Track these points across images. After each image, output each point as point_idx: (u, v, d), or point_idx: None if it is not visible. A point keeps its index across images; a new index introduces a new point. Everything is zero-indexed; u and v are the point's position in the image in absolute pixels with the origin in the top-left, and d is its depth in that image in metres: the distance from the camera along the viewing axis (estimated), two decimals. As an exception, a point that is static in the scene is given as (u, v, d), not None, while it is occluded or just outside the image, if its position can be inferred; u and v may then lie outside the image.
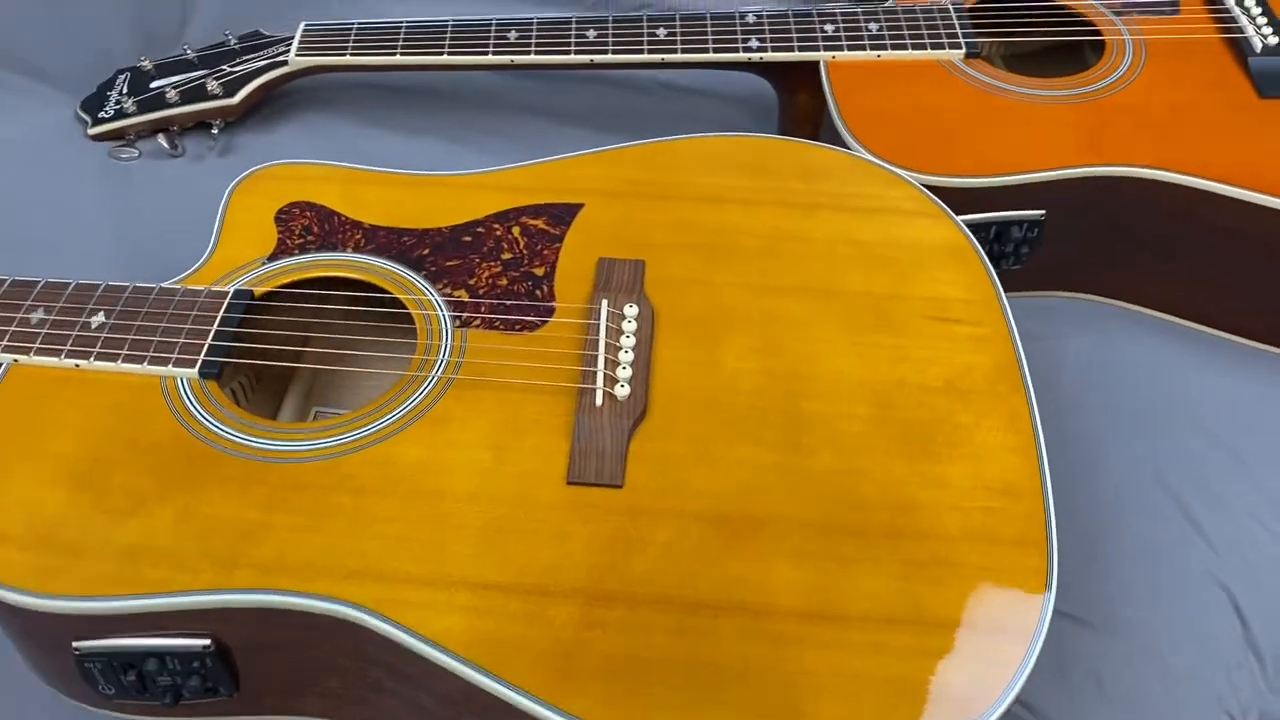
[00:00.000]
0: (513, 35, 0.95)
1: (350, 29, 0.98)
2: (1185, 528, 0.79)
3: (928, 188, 0.80)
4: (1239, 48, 0.91)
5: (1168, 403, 0.86)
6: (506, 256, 0.74)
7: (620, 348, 0.68)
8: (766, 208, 0.77)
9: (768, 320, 0.70)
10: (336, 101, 1.05)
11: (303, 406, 0.79)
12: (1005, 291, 0.73)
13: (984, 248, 0.83)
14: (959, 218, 0.77)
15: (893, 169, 0.80)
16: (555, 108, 1.06)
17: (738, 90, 1.05)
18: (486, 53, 0.95)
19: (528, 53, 0.95)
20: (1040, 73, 0.93)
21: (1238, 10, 0.94)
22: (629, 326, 0.70)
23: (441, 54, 0.95)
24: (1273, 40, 0.91)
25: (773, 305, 0.71)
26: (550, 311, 0.71)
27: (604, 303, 0.70)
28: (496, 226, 0.76)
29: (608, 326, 0.69)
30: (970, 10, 0.96)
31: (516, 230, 0.76)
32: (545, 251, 0.75)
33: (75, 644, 0.61)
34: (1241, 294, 0.89)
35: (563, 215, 0.77)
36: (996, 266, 0.75)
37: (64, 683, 0.67)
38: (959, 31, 0.93)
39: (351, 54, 0.97)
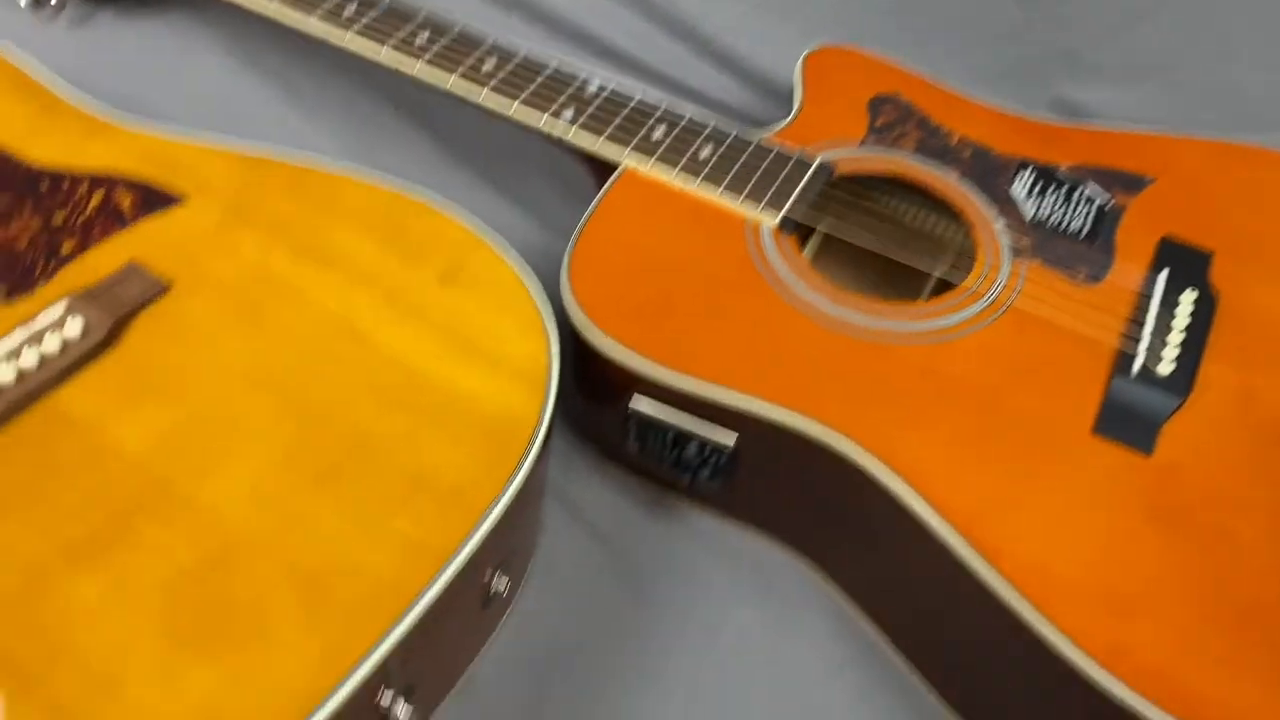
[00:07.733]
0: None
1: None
2: None
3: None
4: (1119, 363, 0.67)
5: None
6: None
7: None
8: None
9: None
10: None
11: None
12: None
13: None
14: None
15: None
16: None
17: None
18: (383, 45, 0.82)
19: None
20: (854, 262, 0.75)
21: (1150, 326, 0.69)
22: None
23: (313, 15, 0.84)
24: (1165, 369, 0.67)
25: None
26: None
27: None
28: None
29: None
30: (831, 181, 0.77)
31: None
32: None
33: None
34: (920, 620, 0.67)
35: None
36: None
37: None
38: (793, 196, 0.75)
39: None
